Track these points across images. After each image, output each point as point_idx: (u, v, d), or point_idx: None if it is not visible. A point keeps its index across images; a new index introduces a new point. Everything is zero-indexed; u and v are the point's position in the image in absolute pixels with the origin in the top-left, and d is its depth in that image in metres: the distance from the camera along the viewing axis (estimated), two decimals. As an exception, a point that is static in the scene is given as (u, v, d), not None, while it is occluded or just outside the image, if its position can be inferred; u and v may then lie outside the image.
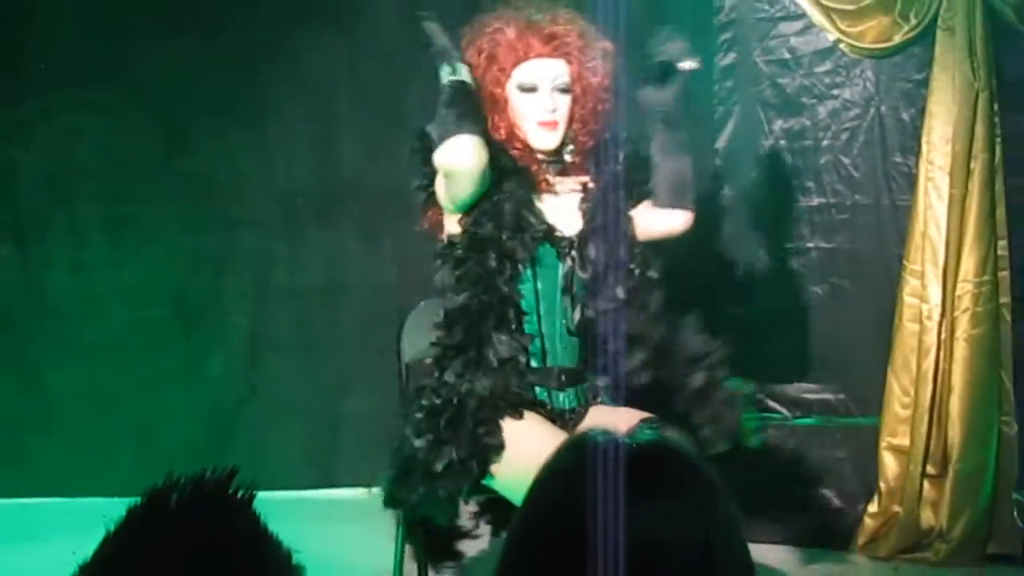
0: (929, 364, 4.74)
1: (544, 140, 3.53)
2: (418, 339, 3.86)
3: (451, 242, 3.48)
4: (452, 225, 3.51)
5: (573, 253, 3.53)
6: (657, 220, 3.61)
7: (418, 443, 3.37)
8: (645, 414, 3.40)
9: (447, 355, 3.45)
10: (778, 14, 4.93)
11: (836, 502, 4.93)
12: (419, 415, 3.41)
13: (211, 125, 5.51)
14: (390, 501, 3.52)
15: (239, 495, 1.17)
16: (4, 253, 5.46)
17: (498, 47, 3.52)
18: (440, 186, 3.42)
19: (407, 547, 3.74)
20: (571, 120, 3.57)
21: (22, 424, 5.46)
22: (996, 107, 4.70)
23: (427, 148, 3.46)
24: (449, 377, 3.42)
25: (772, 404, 5.03)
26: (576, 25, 3.59)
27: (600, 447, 1.26)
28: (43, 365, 5.49)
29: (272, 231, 5.62)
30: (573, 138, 3.61)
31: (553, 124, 3.53)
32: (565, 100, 3.53)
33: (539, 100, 3.53)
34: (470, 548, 3.75)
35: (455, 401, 3.39)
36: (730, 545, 1.26)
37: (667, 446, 1.30)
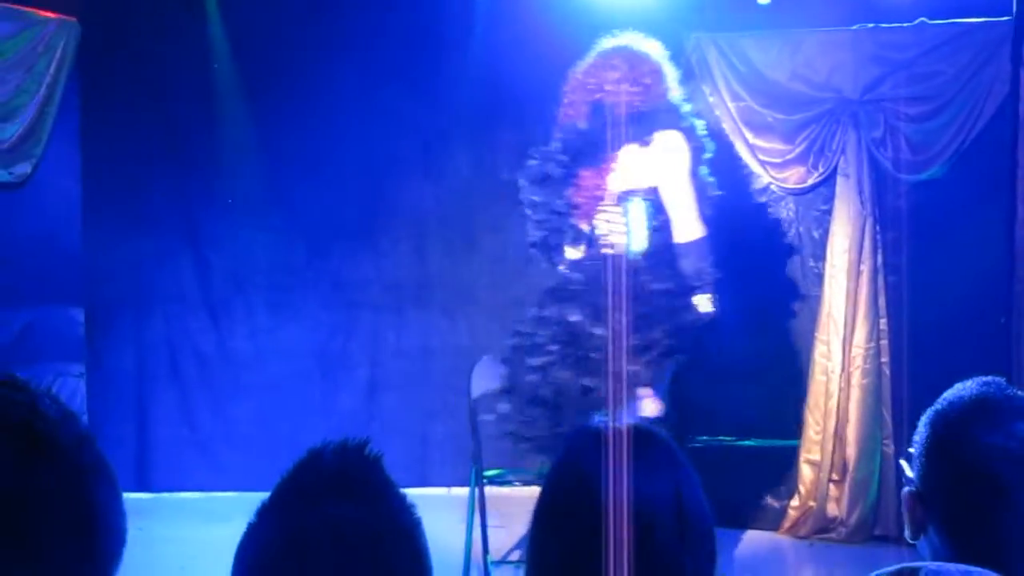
0: (833, 404, 5.49)
1: None
2: (480, 382, 4.59)
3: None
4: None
5: None
6: None
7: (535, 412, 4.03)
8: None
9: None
10: (729, 164, 5.52)
11: (768, 498, 5.69)
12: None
13: (341, 239, 6.25)
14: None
15: (371, 454, 1.32)
16: (203, 324, 6.25)
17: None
18: None
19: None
20: None
21: (212, 438, 6.24)
22: (878, 228, 5.48)
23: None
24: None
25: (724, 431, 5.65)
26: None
27: (598, 431, 1.40)
28: (227, 397, 6.22)
29: (383, 310, 6.28)
30: None
31: None
32: None
33: None
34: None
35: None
36: (694, 494, 1.36)
37: (640, 427, 1.40)
